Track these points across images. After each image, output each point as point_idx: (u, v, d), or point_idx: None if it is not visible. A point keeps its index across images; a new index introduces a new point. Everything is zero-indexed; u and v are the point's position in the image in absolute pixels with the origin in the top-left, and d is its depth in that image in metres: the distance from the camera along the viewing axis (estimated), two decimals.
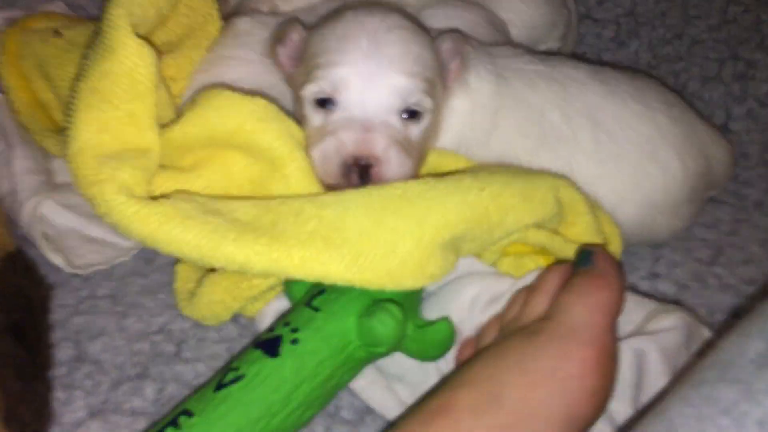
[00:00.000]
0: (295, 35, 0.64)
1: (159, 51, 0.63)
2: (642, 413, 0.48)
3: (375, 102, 0.59)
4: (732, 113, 0.84)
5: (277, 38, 0.65)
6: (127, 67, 0.56)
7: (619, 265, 0.53)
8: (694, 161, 0.69)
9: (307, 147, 0.60)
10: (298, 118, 0.62)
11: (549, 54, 0.76)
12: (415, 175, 0.61)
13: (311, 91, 0.60)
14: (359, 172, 0.58)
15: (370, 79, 0.59)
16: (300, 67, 0.64)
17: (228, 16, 0.74)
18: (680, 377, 0.46)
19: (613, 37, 0.91)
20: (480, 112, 0.66)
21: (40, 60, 0.68)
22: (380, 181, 0.58)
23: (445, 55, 0.64)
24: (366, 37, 0.59)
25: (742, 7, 0.90)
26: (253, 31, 0.72)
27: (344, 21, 0.61)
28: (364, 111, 0.59)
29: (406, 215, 0.53)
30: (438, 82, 0.63)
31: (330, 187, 0.59)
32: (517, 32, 0.78)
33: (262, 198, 0.58)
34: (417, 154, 0.61)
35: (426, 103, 0.61)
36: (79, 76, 0.56)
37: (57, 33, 0.70)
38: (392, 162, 0.59)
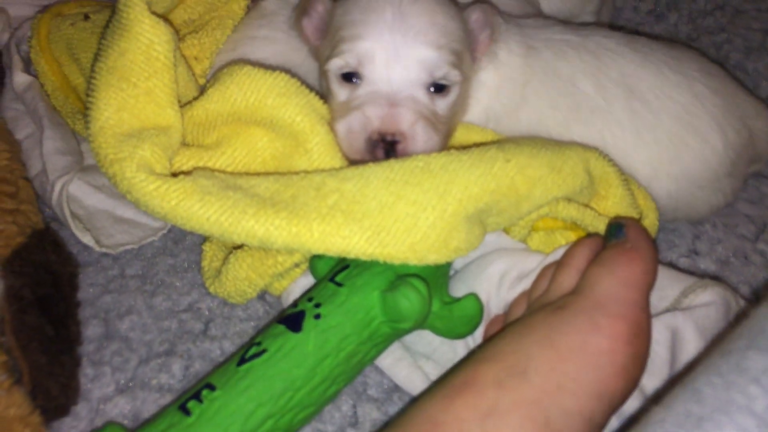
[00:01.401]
0: (320, 6, 0.63)
1: (176, 29, 0.63)
2: (671, 383, 0.46)
3: (401, 76, 0.58)
4: None
5: (302, 10, 0.65)
6: (143, 44, 0.56)
7: (651, 238, 0.51)
8: (735, 133, 0.65)
9: (332, 121, 0.59)
10: (324, 93, 0.62)
11: (582, 25, 0.74)
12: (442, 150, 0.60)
13: (336, 65, 0.59)
14: (385, 148, 0.57)
15: (395, 52, 0.58)
16: (325, 40, 0.63)
17: None
18: (711, 348, 0.44)
19: (651, 10, 0.88)
20: (509, 86, 0.64)
21: (70, 44, 0.68)
22: (407, 156, 0.57)
23: (474, 26, 0.62)
24: (390, 8, 0.58)
25: None
26: (279, 11, 0.72)
27: None
28: (390, 85, 0.58)
29: (427, 188, 0.52)
30: (466, 53, 0.62)
31: (354, 162, 0.58)
32: (549, 5, 0.76)
33: (284, 173, 0.58)
34: (444, 128, 0.60)
35: (453, 76, 0.59)
36: (97, 56, 0.57)
37: (86, 17, 0.70)
38: (418, 138, 0.58)
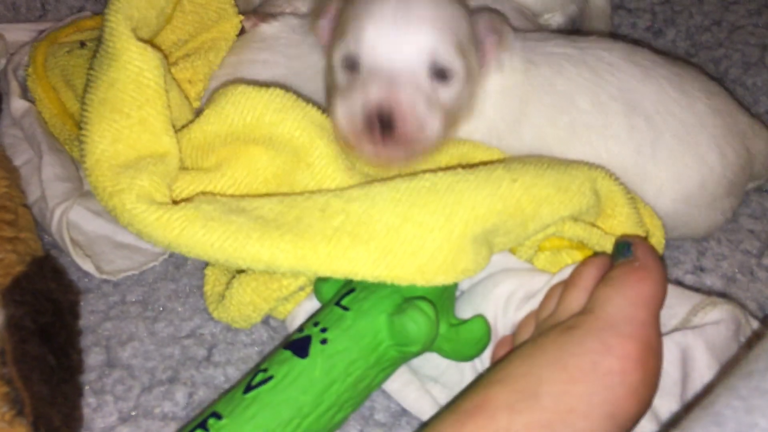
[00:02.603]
0: (334, 7, 0.63)
1: (165, 52, 0.62)
2: (689, 407, 0.46)
3: (401, 58, 0.57)
4: None
5: (318, 12, 0.64)
6: (132, 73, 0.55)
7: (660, 256, 0.51)
8: (734, 154, 0.65)
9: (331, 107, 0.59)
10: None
11: (583, 35, 0.74)
12: (444, 140, 0.60)
13: (339, 54, 0.59)
14: (382, 129, 0.56)
15: (396, 36, 0.57)
16: (334, 38, 0.63)
17: (247, 14, 0.74)
18: (728, 369, 0.43)
19: (648, 27, 0.89)
20: (509, 100, 0.64)
21: (65, 71, 0.68)
22: (406, 139, 0.56)
23: (481, 30, 0.62)
24: (395, 1, 0.58)
25: None
26: (279, 35, 0.72)
27: None
28: (391, 69, 0.57)
29: (434, 209, 0.51)
30: (471, 53, 0.61)
31: (353, 148, 0.57)
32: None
33: (288, 192, 0.57)
34: (445, 118, 0.59)
35: (457, 64, 0.59)
36: (86, 88, 0.56)
37: (83, 44, 0.70)
38: (418, 118, 0.57)
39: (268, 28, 0.72)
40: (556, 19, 0.78)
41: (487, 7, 0.65)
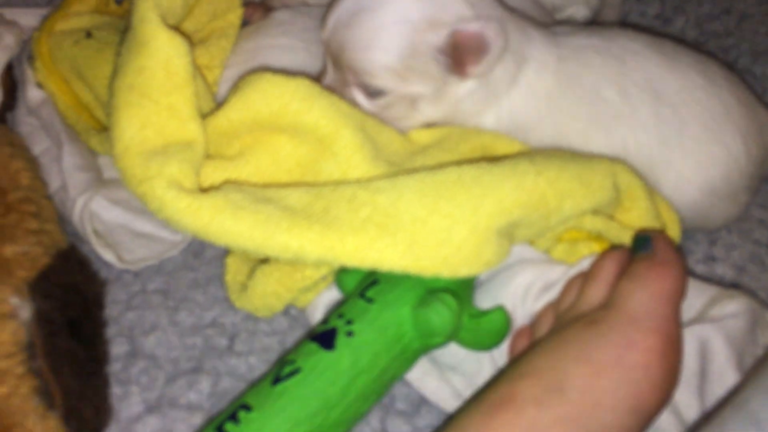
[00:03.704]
0: None
1: (191, 40, 0.62)
2: (718, 405, 0.47)
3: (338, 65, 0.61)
4: None
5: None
6: (161, 60, 0.55)
7: (679, 251, 0.52)
8: (757, 146, 0.65)
9: None
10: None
11: (605, 25, 0.74)
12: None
13: None
14: None
15: (336, 45, 0.61)
16: None
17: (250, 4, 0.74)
18: (757, 367, 0.44)
19: (658, 14, 0.89)
20: (537, 95, 0.64)
21: (74, 62, 0.68)
22: None
23: (461, 41, 0.59)
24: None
25: None
26: (294, 20, 0.72)
27: None
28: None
29: (461, 201, 0.52)
30: (427, 66, 0.60)
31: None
32: None
33: (312, 181, 0.58)
34: (394, 117, 0.62)
35: (384, 85, 0.60)
36: (115, 74, 0.56)
37: (89, 35, 0.69)
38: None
39: (283, 15, 0.72)
40: (581, 12, 0.78)
41: (504, 4, 0.65)
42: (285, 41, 0.69)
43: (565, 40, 0.65)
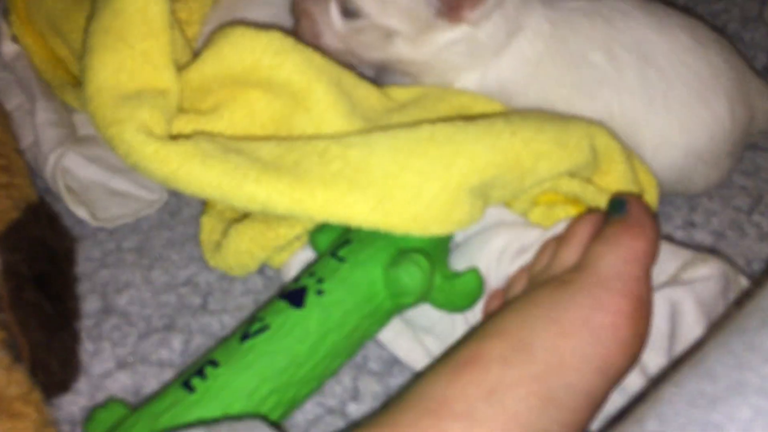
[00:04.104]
0: None
1: None
2: (677, 362, 0.47)
3: None
4: None
5: None
6: (139, 4, 0.55)
7: (653, 214, 0.52)
8: (742, 110, 0.65)
9: None
10: None
11: None
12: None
13: None
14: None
15: None
16: None
17: None
18: (718, 325, 0.44)
19: None
20: (525, 61, 0.63)
21: (50, 16, 0.67)
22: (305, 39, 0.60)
23: None
24: None
25: None
26: None
27: None
28: None
29: (433, 158, 0.52)
30: (417, 5, 0.59)
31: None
32: None
33: (286, 136, 0.57)
34: (362, 48, 0.62)
35: (366, 7, 0.59)
36: (91, 17, 0.56)
37: None
38: (312, 29, 0.61)
39: None
40: None
41: None
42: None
43: (558, 3, 0.64)
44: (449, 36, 0.60)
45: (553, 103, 0.63)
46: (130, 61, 0.54)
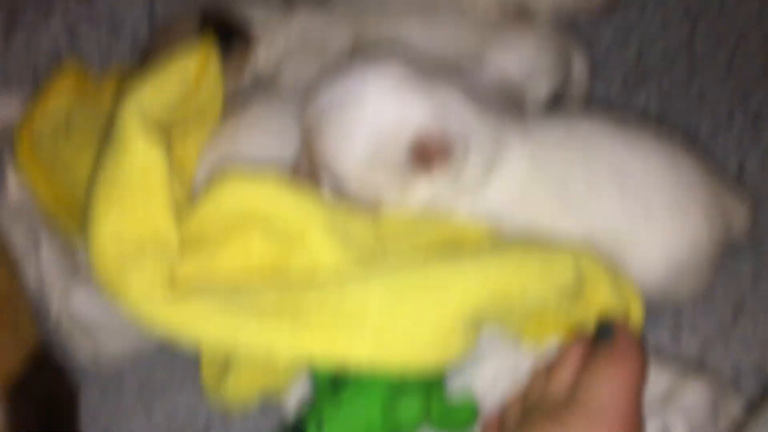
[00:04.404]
0: None
1: (169, 137, 0.64)
2: None
3: None
4: (745, 162, 0.83)
5: None
6: (139, 166, 0.58)
7: (641, 339, 0.53)
8: (718, 219, 0.67)
9: None
10: None
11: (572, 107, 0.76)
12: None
13: None
14: None
15: None
16: None
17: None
18: None
19: (620, 91, 0.91)
20: (510, 188, 0.65)
21: (54, 160, 0.69)
22: None
23: (429, 141, 0.60)
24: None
25: (748, 56, 0.91)
26: (269, 114, 0.73)
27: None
28: None
29: (426, 297, 0.54)
30: (396, 168, 0.61)
31: None
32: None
33: (284, 276, 0.59)
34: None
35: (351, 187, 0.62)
36: (94, 174, 0.58)
37: (68, 128, 0.71)
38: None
39: (258, 108, 0.74)
40: (542, 88, 0.80)
41: (475, 96, 0.66)
42: (260, 135, 0.70)
43: (534, 131, 0.68)
44: (432, 184, 0.63)
45: (540, 224, 0.65)
46: (132, 218, 0.57)
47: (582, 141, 0.66)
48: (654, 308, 0.69)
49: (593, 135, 0.67)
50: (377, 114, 0.60)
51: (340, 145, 0.60)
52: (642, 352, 0.52)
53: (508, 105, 0.71)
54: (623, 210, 0.65)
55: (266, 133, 0.72)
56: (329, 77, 0.63)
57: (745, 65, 0.90)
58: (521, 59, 0.80)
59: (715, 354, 0.68)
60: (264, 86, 0.80)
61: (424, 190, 0.63)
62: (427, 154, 0.60)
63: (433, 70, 0.64)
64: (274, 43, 0.80)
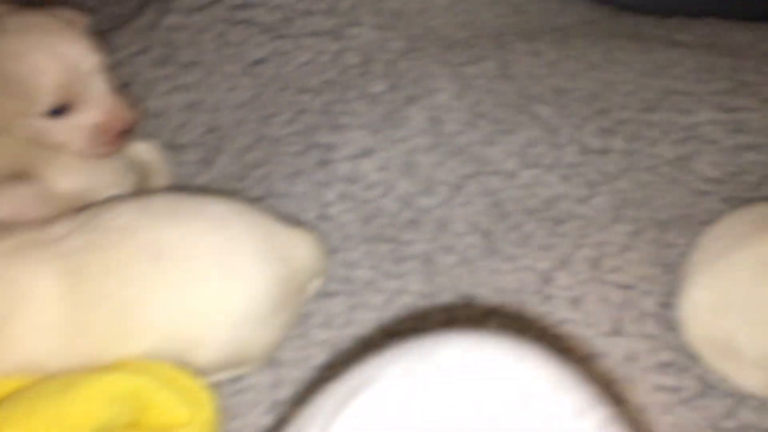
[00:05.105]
0: None
1: None
2: None
3: None
4: (325, 200, 0.84)
5: None
6: None
7: None
8: (278, 265, 0.67)
9: None
10: None
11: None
12: None
13: None
14: None
15: None
16: None
17: None
18: None
19: (199, 160, 0.90)
20: (50, 331, 0.61)
21: None
22: None
23: None
24: None
25: (312, 93, 0.94)
26: None
27: None
28: None
29: None
30: None
31: None
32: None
33: None
34: None
35: None
36: None
37: None
38: None
39: None
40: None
41: None
42: None
43: (60, 246, 0.63)
44: None
45: (87, 355, 0.60)
46: None
47: (101, 239, 0.63)
48: None
49: (114, 228, 0.64)
50: None
51: None
52: None
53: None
54: (159, 286, 0.62)
55: None
56: None
57: (308, 104, 0.93)
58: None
59: None
60: None
61: None
62: None
63: None
64: None
